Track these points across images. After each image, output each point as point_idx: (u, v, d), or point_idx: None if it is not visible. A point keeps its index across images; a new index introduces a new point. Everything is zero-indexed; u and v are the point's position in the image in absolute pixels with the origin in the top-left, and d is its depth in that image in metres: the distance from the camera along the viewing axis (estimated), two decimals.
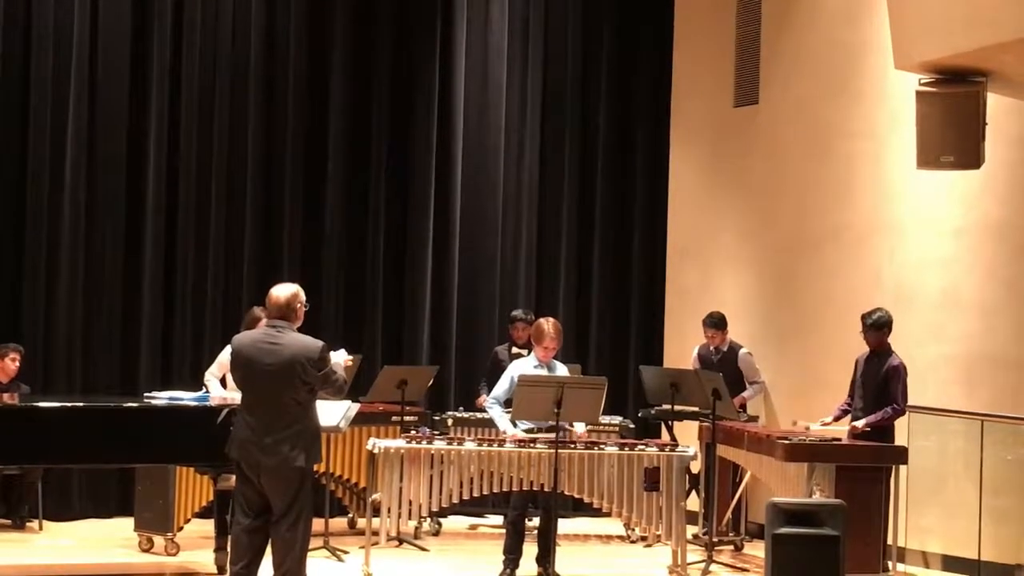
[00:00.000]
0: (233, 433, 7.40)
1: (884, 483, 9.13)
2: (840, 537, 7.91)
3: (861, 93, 10.90)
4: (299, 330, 7.41)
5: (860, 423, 9.45)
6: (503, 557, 9.06)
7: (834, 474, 8.92)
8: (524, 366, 9.06)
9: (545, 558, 8.98)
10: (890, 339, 9.61)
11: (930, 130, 8.97)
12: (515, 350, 10.70)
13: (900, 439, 9.59)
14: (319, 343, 7.36)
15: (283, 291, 7.44)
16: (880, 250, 10.67)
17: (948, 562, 9.87)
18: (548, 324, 9.04)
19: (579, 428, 9.09)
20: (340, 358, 7.63)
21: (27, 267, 11.07)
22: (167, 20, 11.46)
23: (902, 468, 9.26)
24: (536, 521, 9.28)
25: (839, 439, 9.43)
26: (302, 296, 7.49)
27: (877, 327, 9.54)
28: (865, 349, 9.67)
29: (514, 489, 8.84)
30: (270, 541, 7.34)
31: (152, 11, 11.42)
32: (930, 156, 9.02)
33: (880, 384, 9.49)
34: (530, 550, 9.10)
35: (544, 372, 8.90)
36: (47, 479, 10.68)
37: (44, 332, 11.08)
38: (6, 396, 9.84)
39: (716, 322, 11.06)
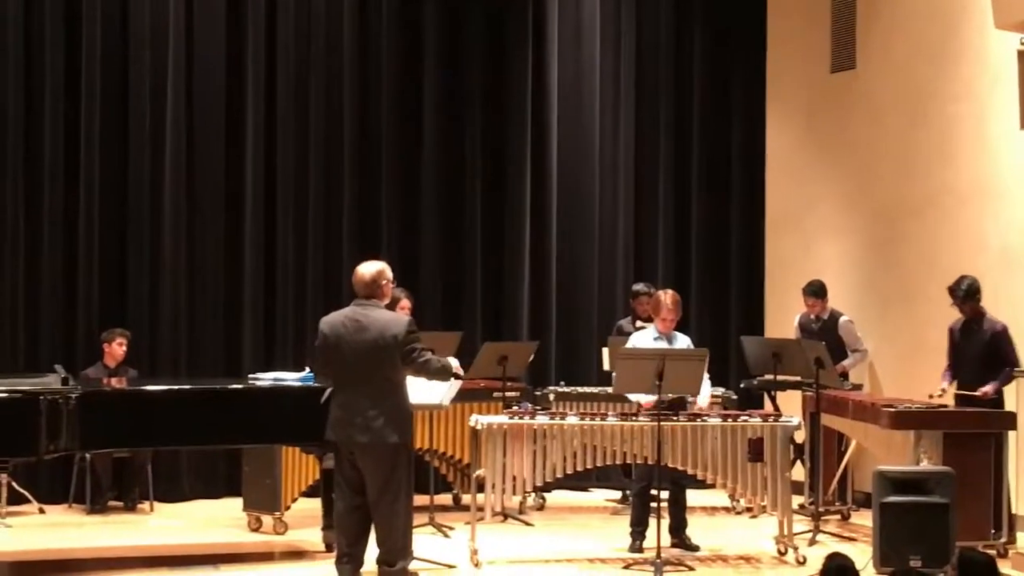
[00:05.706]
0: (330, 415, 7.42)
1: (993, 449, 8.99)
2: (950, 504, 7.83)
3: (960, 54, 10.70)
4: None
5: (989, 388, 9.27)
6: (630, 530, 9.17)
7: (941, 441, 8.80)
8: (644, 338, 9.16)
9: (680, 529, 9.20)
10: (997, 302, 9.45)
11: None
12: (639, 323, 10.69)
13: (1009, 405, 9.43)
14: (405, 318, 7.37)
15: (368, 269, 7.41)
16: (984, 213, 10.48)
17: None
18: (666, 296, 9.12)
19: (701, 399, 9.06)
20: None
21: (131, 255, 11.24)
22: (261, 13, 11.55)
23: (1011, 434, 9.12)
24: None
25: (946, 406, 9.30)
26: (388, 273, 7.45)
27: (971, 295, 9.40)
28: (957, 317, 9.53)
29: (617, 462, 8.87)
30: (372, 520, 7.36)
31: (246, 4, 11.53)
32: None
33: (987, 350, 9.35)
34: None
35: (663, 344, 8.96)
36: (157, 462, 10.84)
37: (149, 317, 11.24)
38: (115, 380, 10.02)
39: (816, 290, 10.95)
